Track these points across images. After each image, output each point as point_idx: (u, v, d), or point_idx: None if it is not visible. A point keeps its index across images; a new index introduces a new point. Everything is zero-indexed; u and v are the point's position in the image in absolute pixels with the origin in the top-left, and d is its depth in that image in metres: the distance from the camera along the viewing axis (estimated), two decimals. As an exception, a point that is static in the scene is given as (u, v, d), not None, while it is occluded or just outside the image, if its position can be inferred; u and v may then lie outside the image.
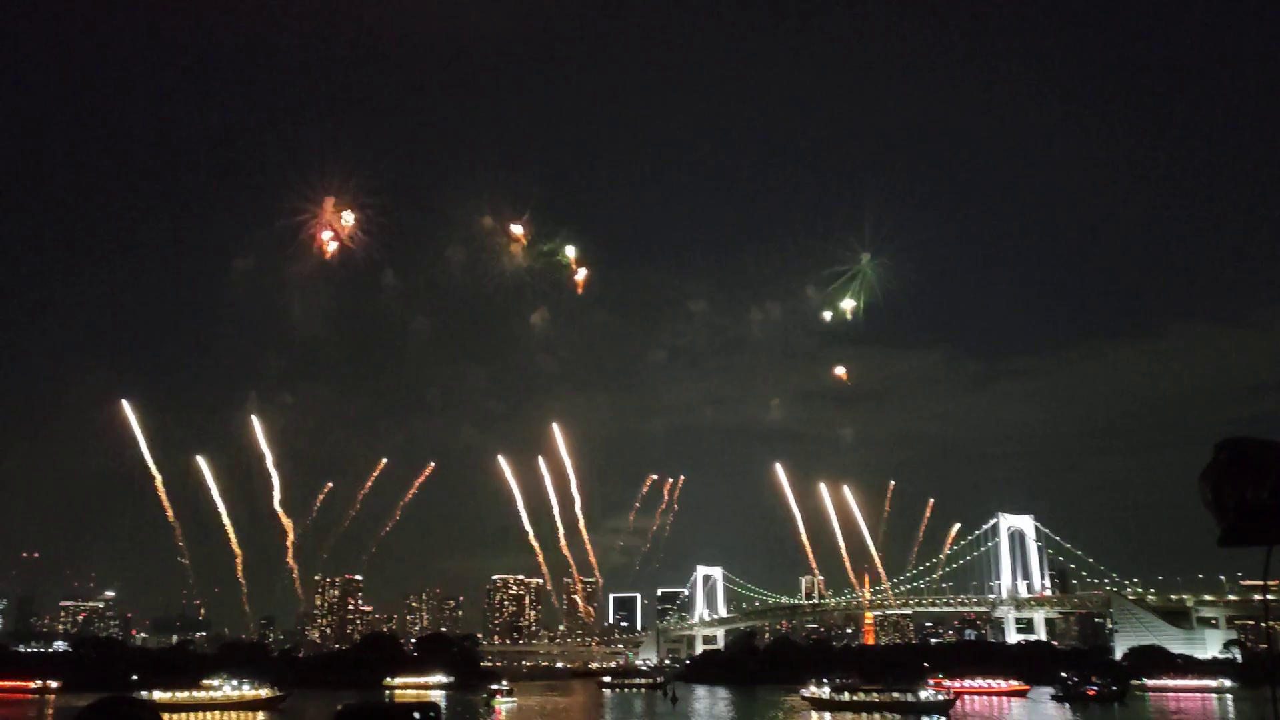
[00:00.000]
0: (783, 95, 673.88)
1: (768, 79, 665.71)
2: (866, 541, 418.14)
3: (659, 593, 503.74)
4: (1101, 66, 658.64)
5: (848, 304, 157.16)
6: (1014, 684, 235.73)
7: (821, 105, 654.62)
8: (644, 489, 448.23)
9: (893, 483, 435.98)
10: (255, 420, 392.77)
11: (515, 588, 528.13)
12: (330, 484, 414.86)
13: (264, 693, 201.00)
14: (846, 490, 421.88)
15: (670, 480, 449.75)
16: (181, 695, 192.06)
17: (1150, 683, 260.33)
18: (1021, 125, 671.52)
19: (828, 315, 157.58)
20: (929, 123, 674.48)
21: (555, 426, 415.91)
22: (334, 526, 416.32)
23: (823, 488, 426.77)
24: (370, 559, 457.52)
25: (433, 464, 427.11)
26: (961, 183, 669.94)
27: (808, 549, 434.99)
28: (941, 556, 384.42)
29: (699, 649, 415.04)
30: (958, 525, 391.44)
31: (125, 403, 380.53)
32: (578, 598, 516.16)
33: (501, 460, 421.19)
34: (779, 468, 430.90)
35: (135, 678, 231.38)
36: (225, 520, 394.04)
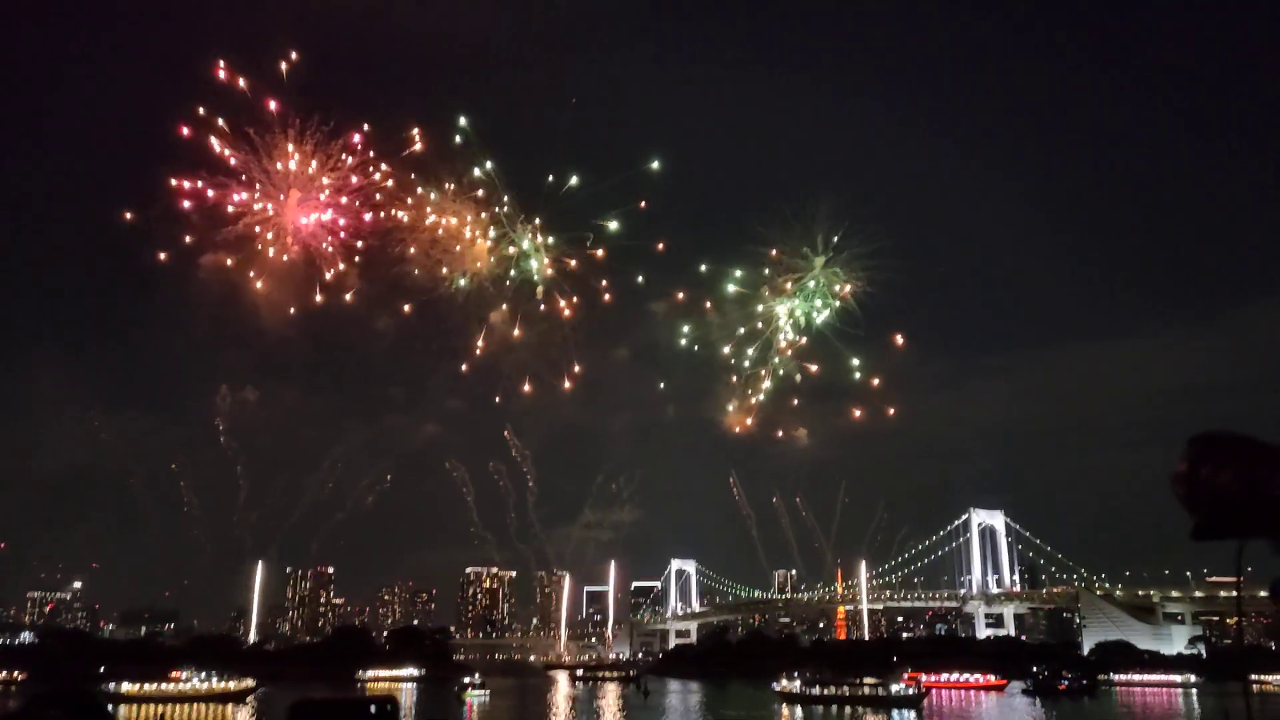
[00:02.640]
0: (733, 93, 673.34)
1: (721, 77, 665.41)
2: (821, 540, 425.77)
3: (632, 586, 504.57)
4: (1080, 63, 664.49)
5: (801, 310, 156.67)
6: (991, 678, 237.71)
7: (777, 104, 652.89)
8: (611, 486, 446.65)
9: (844, 495, 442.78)
10: (221, 417, 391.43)
11: (488, 581, 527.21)
12: (291, 481, 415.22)
13: (233, 685, 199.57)
14: (799, 496, 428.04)
15: (623, 478, 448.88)
16: (150, 687, 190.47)
17: (1117, 677, 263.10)
18: (994, 125, 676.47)
19: (783, 321, 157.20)
20: (897, 120, 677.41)
21: (507, 432, 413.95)
22: (298, 522, 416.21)
23: (775, 497, 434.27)
24: (342, 552, 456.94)
25: (389, 476, 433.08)
26: (933, 184, 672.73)
27: (760, 551, 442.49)
28: (897, 560, 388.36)
29: (672, 643, 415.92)
30: (905, 529, 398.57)
31: (92, 396, 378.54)
32: (545, 589, 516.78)
33: (453, 465, 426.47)
34: (731, 478, 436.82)
35: (103, 669, 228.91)
36: (194, 514, 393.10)
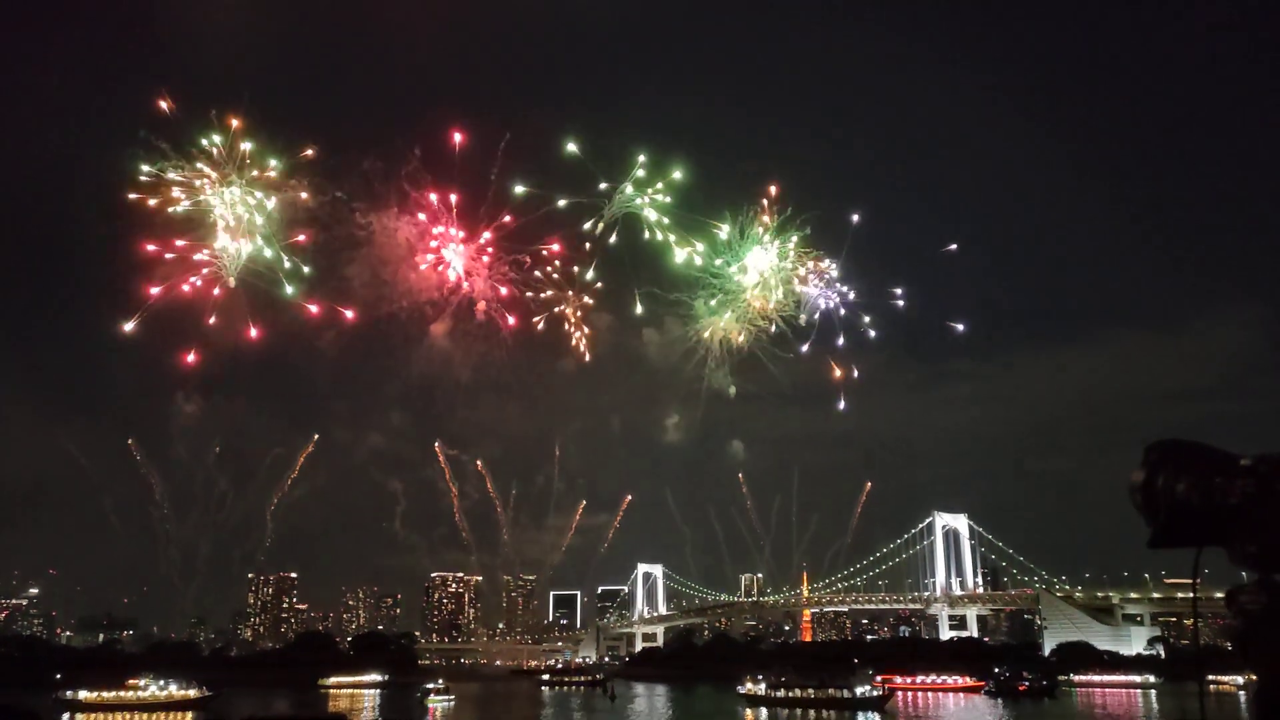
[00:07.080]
0: (681, 99, 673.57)
1: (668, 79, 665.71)
2: (765, 545, 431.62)
3: (599, 590, 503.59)
4: (1041, 70, 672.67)
5: (731, 328, 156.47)
6: (967, 680, 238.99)
7: (725, 110, 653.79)
8: (560, 493, 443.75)
9: (797, 500, 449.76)
10: (173, 428, 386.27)
11: (454, 585, 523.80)
12: (249, 486, 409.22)
13: (193, 692, 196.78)
14: (748, 502, 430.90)
15: (580, 483, 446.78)
16: (107, 695, 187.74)
17: (1077, 678, 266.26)
18: (964, 129, 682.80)
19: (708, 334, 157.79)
20: (864, 124, 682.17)
21: (437, 445, 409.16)
22: (258, 527, 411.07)
23: (721, 504, 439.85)
24: (305, 557, 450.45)
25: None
26: (906, 190, 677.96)
27: (690, 562, 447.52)
28: (862, 564, 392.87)
29: (639, 647, 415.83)
30: (846, 541, 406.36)
31: (45, 404, 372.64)
32: (511, 594, 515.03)
33: (393, 485, 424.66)
34: (669, 492, 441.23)
35: (60, 677, 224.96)
36: (155, 525, 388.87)
